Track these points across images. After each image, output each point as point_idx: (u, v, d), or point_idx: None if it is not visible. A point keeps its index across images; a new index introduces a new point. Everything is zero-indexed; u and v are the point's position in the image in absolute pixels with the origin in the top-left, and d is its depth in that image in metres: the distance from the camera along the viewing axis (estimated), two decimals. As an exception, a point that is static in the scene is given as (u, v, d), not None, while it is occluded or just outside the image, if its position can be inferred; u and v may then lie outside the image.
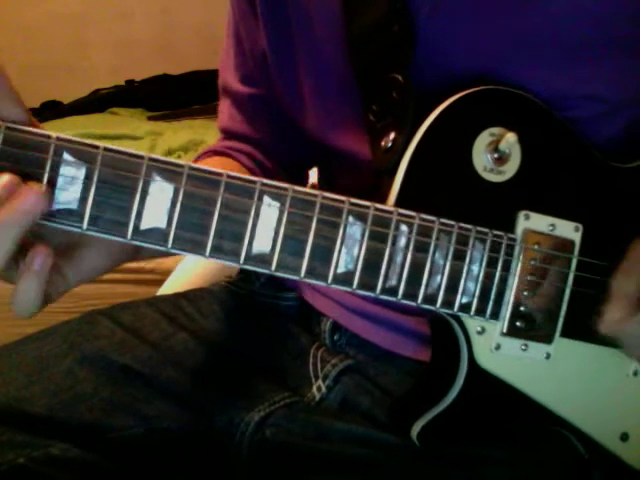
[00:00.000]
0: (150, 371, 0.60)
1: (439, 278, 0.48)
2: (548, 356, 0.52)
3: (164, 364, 0.61)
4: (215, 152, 0.70)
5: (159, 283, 1.00)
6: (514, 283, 0.50)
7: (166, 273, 1.02)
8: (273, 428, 0.58)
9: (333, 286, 0.47)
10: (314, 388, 0.62)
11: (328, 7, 0.56)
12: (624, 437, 0.54)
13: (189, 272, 0.95)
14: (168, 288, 0.94)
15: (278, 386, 0.61)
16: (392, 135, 0.51)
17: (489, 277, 0.49)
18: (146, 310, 0.66)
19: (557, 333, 0.52)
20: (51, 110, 2.28)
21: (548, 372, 0.52)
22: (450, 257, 0.48)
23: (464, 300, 0.49)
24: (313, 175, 0.73)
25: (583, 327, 0.52)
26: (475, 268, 0.49)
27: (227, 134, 0.72)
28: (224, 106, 0.72)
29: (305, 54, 0.60)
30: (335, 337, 0.64)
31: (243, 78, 0.69)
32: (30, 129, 0.41)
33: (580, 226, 0.52)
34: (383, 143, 0.51)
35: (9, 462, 0.52)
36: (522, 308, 0.50)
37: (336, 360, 0.62)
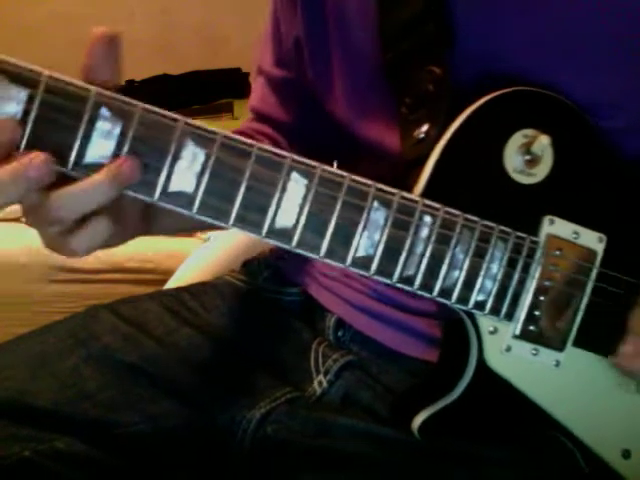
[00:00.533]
0: (155, 369, 0.60)
1: (457, 273, 0.48)
2: (558, 364, 0.52)
3: (168, 361, 0.61)
4: (240, 133, 0.71)
5: (159, 283, 1.00)
6: (532, 286, 0.50)
7: (166, 273, 1.02)
8: (274, 425, 0.59)
9: (351, 269, 0.47)
10: (315, 383, 0.61)
11: None
12: (626, 454, 0.54)
13: (194, 270, 0.95)
14: (173, 284, 0.94)
15: (279, 382, 0.61)
16: (425, 127, 0.51)
17: (507, 277, 0.49)
18: (149, 304, 0.66)
19: (570, 342, 0.51)
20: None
21: (556, 379, 0.52)
22: (471, 253, 0.48)
23: (480, 298, 0.49)
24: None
25: (596, 339, 0.51)
26: (494, 267, 0.49)
27: (256, 114, 0.73)
28: (257, 85, 0.73)
29: (338, 43, 0.60)
30: (339, 333, 0.64)
31: (278, 61, 0.69)
32: (72, 80, 0.42)
33: (604, 237, 0.51)
34: (415, 134, 0.51)
35: (15, 455, 0.52)
36: (537, 312, 0.50)
37: (337, 355, 0.62)
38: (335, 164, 0.69)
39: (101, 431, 0.55)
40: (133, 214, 0.50)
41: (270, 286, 0.70)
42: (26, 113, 0.41)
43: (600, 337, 0.51)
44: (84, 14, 2.42)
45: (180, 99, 2.27)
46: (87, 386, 0.57)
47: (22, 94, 0.41)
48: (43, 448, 0.52)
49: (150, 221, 0.52)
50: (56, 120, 0.41)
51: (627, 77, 0.52)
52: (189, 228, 0.68)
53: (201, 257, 0.95)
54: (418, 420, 0.52)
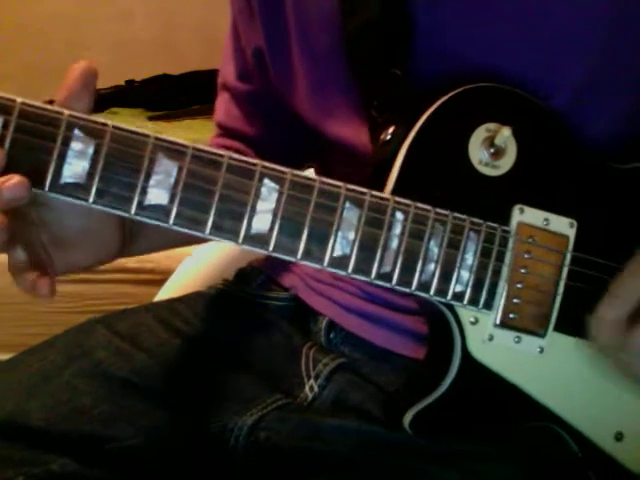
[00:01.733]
0: (146, 382, 0.60)
1: (433, 266, 0.49)
2: (542, 350, 0.52)
3: (158, 373, 0.61)
4: None
5: (158, 283, 1.01)
6: (508, 275, 0.51)
7: (165, 273, 1.03)
8: (266, 431, 0.59)
9: (329, 269, 0.48)
10: (306, 388, 0.62)
11: (323, 1, 0.58)
12: (619, 436, 0.54)
13: (188, 274, 0.96)
14: (168, 289, 0.95)
15: (271, 388, 0.62)
16: (391, 129, 0.53)
17: (483, 267, 0.50)
18: (143, 317, 0.67)
19: (550, 327, 0.52)
20: (51, 110, 2.30)
21: (541, 366, 0.52)
22: (444, 245, 0.49)
23: (457, 289, 0.50)
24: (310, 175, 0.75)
25: (577, 322, 0.52)
26: (469, 257, 0.50)
27: (222, 129, 0.74)
28: (222, 101, 0.74)
29: (300, 48, 0.61)
30: (331, 335, 0.65)
31: (240, 74, 0.71)
32: (44, 105, 0.43)
33: (575, 222, 0.52)
34: (382, 136, 0.53)
35: None
36: (515, 300, 0.51)
37: (328, 359, 0.62)
38: (312, 172, 0.71)
39: (94, 448, 0.56)
40: (103, 235, 0.51)
41: (262, 292, 0.71)
42: (1, 139, 0.42)
43: (580, 320, 0.52)
44: (84, 14, 2.45)
45: (180, 99, 2.29)
46: (80, 401, 0.58)
47: (-3, 121, 0.42)
48: (37, 472, 0.53)
49: (129, 242, 0.54)
50: (31, 143, 0.43)
51: (577, 67, 0.54)
52: (168, 245, 0.69)
53: (194, 264, 0.96)
54: (409, 415, 0.52)
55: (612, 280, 0.50)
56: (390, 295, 0.61)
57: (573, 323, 0.52)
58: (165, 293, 0.94)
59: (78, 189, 0.44)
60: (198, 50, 2.36)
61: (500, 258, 0.51)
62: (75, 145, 0.44)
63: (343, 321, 0.64)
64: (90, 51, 2.41)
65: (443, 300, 0.50)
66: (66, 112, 0.44)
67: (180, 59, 2.38)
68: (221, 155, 0.46)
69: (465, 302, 0.50)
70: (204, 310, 0.69)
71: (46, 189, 0.43)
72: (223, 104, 0.74)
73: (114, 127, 0.44)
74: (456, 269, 0.50)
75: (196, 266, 0.95)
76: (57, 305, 1.33)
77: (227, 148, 0.71)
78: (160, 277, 1.07)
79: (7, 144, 0.42)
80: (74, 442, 0.55)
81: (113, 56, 2.46)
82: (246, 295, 0.71)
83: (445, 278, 0.49)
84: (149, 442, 0.57)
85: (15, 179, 0.42)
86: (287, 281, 0.70)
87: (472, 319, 0.51)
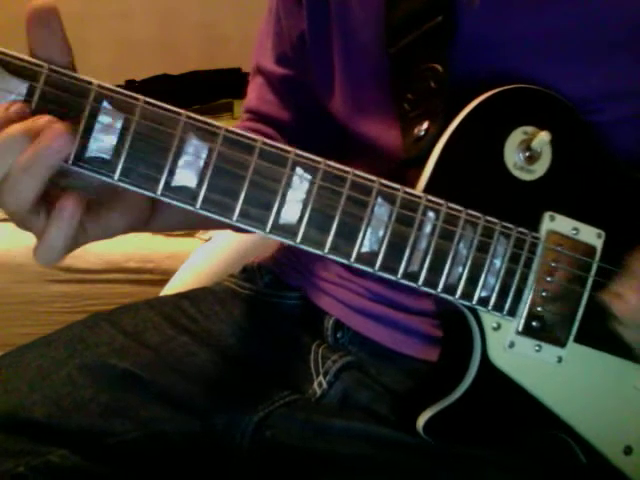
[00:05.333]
0: (150, 376, 0.59)
1: (461, 268, 0.48)
2: (560, 360, 0.52)
3: (164, 368, 0.60)
4: None
5: (159, 283, 0.99)
6: (534, 282, 0.50)
7: (165, 273, 1.02)
8: (272, 428, 0.58)
9: (355, 265, 0.46)
10: (315, 384, 0.61)
11: None
12: (628, 450, 0.54)
13: (192, 272, 0.94)
14: (172, 288, 0.93)
15: (277, 385, 0.61)
16: (425, 124, 0.51)
17: (510, 273, 0.49)
18: (147, 313, 0.65)
19: (571, 337, 0.51)
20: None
21: (558, 376, 0.52)
22: (474, 248, 0.48)
23: (483, 294, 0.49)
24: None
25: (598, 334, 0.52)
26: (497, 262, 0.49)
27: (254, 114, 0.72)
28: (255, 86, 0.72)
29: (341, 37, 0.60)
30: (338, 335, 0.64)
31: (278, 58, 0.69)
32: (73, 74, 0.41)
33: (603, 233, 0.52)
34: (415, 131, 0.51)
35: (9, 471, 0.51)
36: (539, 308, 0.50)
37: (336, 356, 0.62)
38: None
39: (94, 441, 0.54)
40: (133, 202, 0.48)
41: (270, 291, 0.69)
42: (27, 105, 0.40)
43: (601, 333, 0.51)
44: (84, 14, 2.40)
45: (180, 99, 2.27)
46: (81, 394, 0.56)
47: (22, 87, 0.40)
48: (37, 463, 0.51)
49: (154, 214, 0.51)
50: (56, 114, 0.40)
51: (615, 72, 0.53)
52: (191, 225, 0.67)
53: (201, 259, 0.94)
54: (422, 419, 0.51)
55: (625, 256, 0.50)
56: (397, 295, 0.60)
57: (594, 335, 0.52)
58: (169, 291, 0.92)
59: (103, 165, 0.42)
60: (198, 50, 2.35)
61: (528, 265, 0.50)
62: (103, 118, 0.41)
63: (349, 321, 0.63)
64: (90, 51, 2.37)
65: (468, 304, 0.49)
66: (95, 82, 0.41)
67: (180, 59, 2.36)
68: (254, 139, 0.44)
69: (490, 307, 0.49)
70: (210, 307, 0.67)
71: (70, 162, 0.41)
72: (256, 88, 0.72)
73: (145, 102, 0.42)
74: (484, 273, 0.48)
75: (200, 264, 0.93)
76: (57, 305, 1.32)
77: (257, 132, 0.69)
78: (160, 277, 1.05)
79: (31, 112, 0.40)
80: (74, 435, 0.54)
81: (113, 56, 2.43)
82: (254, 294, 0.69)
83: (472, 282, 0.48)
84: (148, 435, 0.56)
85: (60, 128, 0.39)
86: (294, 281, 0.68)
87: (495, 324, 0.50)
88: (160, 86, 2.34)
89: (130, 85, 2.39)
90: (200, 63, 2.30)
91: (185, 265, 0.95)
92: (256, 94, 0.72)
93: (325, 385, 0.60)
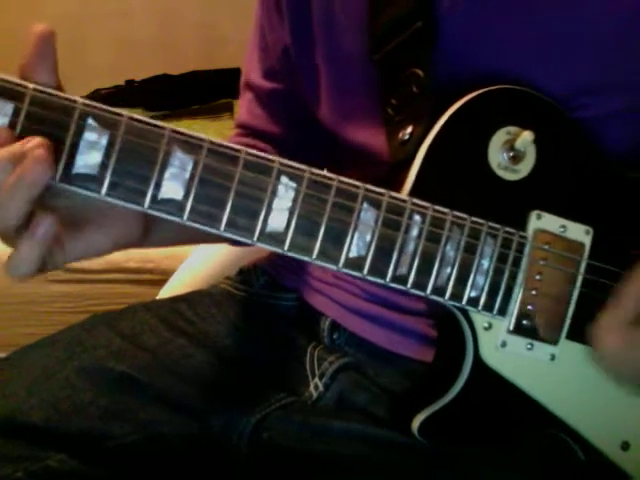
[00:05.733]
0: (147, 378, 0.59)
1: (449, 270, 0.48)
2: (553, 357, 0.52)
3: (161, 370, 0.61)
4: None
5: (158, 283, 1.00)
6: (523, 281, 0.50)
7: (165, 273, 1.02)
8: (270, 430, 0.58)
9: (344, 270, 0.47)
10: (311, 386, 0.61)
11: (352, 0, 0.57)
12: (625, 446, 0.54)
13: (191, 273, 0.95)
14: (170, 288, 0.94)
15: (274, 387, 0.61)
16: (409, 128, 0.51)
17: (499, 272, 0.49)
18: (144, 316, 0.66)
19: (563, 335, 0.52)
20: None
21: (552, 373, 0.52)
22: (461, 249, 0.48)
23: (473, 294, 0.49)
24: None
25: (590, 331, 0.52)
26: (485, 262, 0.49)
27: (245, 129, 0.73)
28: (244, 101, 0.73)
29: (325, 45, 0.61)
30: (334, 336, 0.64)
31: (266, 73, 0.70)
32: (57, 92, 0.42)
33: (591, 230, 0.52)
34: (400, 135, 0.52)
35: (7, 477, 0.51)
36: (530, 307, 0.51)
37: (333, 358, 0.62)
38: (325, 171, 0.70)
39: (93, 444, 0.55)
40: (124, 228, 0.49)
41: (266, 292, 0.70)
42: (12, 126, 0.41)
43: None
44: (84, 14, 2.41)
45: (180, 99, 2.27)
46: (79, 398, 0.57)
47: (8, 107, 0.41)
48: (35, 468, 0.52)
49: (151, 230, 0.52)
50: (42, 132, 0.41)
51: (604, 66, 0.53)
52: (185, 241, 0.68)
53: (199, 260, 0.95)
54: (417, 421, 0.51)
55: (614, 288, 0.50)
56: (393, 296, 0.60)
57: (585, 331, 0.52)
58: (168, 291, 0.92)
59: (90, 181, 0.42)
60: (198, 50, 2.36)
61: (516, 264, 0.50)
62: (88, 135, 0.42)
63: (345, 321, 0.64)
64: (90, 51, 2.38)
65: (458, 305, 0.49)
66: (80, 100, 0.42)
67: (180, 59, 2.36)
68: (238, 150, 0.44)
69: (480, 307, 0.49)
70: (206, 309, 0.68)
71: (57, 180, 0.42)
72: (245, 103, 0.73)
73: (129, 118, 0.43)
74: (472, 274, 0.49)
75: (198, 264, 0.93)
76: (57, 305, 1.32)
77: (249, 146, 0.70)
78: (160, 277, 1.06)
79: (17, 132, 0.41)
80: (73, 438, 0.54)
81: (113, 56, 2.44)
82: (250, 295, 0.70)
83: (461, 282, 0.49)
84: (146, 438, 0.57)
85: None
86: (290, 282, 0.69)
87: (486, 324, 0.50)
88: (160, 86, 2.34)
89: (130, 85, 2.39)
90: (200, 63, 2.30)
91: (183, 266, 0.96)
92: (246, 109, 0.72)
93: (321, 387, 0.60)
